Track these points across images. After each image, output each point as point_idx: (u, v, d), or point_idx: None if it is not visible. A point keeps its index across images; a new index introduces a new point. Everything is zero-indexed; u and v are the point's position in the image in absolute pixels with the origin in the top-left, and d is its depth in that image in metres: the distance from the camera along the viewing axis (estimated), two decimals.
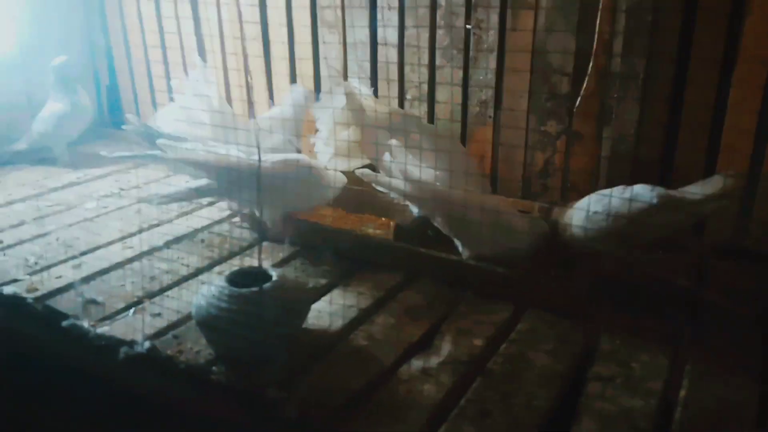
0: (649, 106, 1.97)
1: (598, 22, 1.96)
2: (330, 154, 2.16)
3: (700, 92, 1.88)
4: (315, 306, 1.69)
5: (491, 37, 2.15)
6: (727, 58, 1.83)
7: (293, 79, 2.61)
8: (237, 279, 1.47)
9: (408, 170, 1.86)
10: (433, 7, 2.22)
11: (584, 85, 2.02)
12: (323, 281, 1.85)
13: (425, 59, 2.28)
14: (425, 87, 2.32)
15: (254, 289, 1.37)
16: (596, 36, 1.97)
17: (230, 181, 1.86)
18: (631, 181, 2.04)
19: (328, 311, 1.67)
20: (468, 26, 2.18)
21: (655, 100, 1.96)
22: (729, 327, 1.62)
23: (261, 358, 1.42)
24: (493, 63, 2.17)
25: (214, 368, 1.43)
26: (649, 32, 1.89)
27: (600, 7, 1.94)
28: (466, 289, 1.79)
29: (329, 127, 2.18)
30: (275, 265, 1.93)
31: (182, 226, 2.20)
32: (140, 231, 2.14)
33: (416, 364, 1.47)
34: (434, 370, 1.45)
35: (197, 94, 2.34)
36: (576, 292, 1.68)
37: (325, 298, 1.76)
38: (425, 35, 2.26)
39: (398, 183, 1.88)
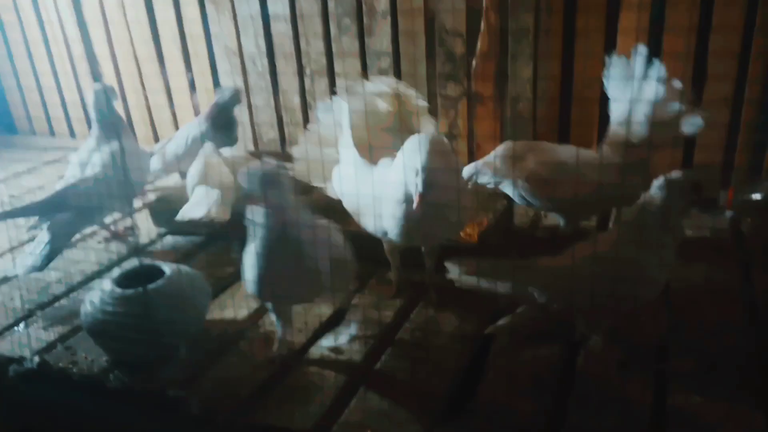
0: (542, 62, 1.98)
1: None
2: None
3: (589, 43, 1.91)
4: (223, 296, 1.63)
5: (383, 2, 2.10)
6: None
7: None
8: (128, 279, 1.39)
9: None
10: None
11: (478, 45, 2.01)
12: (230, 270, 1.79)
13: (319, 30, 2.22)
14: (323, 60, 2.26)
15: (139, 289, 1.30)
16: None
17: None
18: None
19: (235, 301, 1.61)
20: None
21: (548, 56, 1.97)
22: None
23: (160, 359, 1.36)
24: (387, 29, 2.12)
25: (111, 375, 1.36)
26: None
27: None
28: (377, 262, 1.76)
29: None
30: (180, 259, 1.85)
31: None
32: (30, 239, 2.00)
33: (326, 343, 1.45)
34: (344, 347, 1.43)
35: None
36: (488, 249, 1.68)
37: (234, 287, 1.70)
38: (317, 6, 2.19)
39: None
